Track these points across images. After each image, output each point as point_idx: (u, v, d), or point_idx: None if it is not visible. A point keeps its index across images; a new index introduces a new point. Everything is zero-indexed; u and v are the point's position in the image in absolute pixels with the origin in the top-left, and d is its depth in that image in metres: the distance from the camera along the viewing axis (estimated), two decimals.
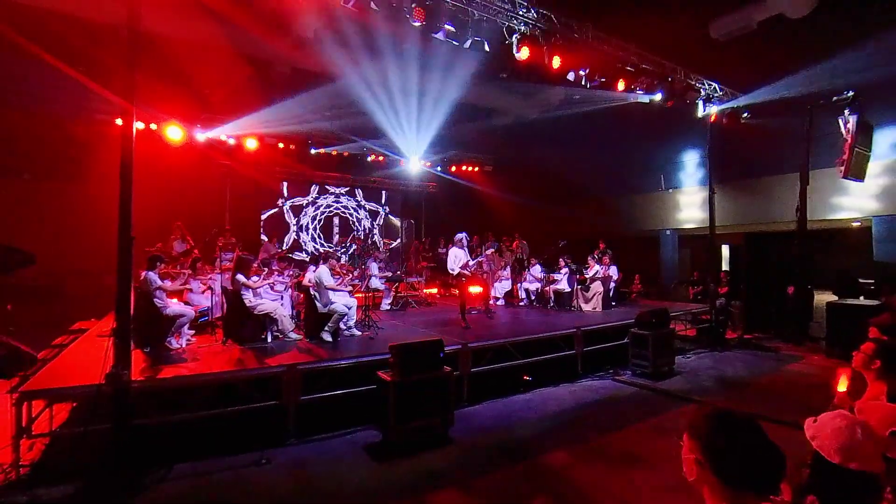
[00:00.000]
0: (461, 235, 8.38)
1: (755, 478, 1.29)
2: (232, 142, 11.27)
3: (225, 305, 6.90)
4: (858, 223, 10.87)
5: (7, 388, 4.21)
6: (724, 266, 12.90)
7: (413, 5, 5.76)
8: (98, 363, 4.02)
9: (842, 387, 2.76)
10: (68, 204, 9.61)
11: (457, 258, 8.06)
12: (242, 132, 11.20)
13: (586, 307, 9.62)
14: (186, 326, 6.15)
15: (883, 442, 1.80)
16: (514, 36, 6.71)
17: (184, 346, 6.00)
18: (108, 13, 6.47)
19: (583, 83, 7.69)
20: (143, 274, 5.78)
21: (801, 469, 1.87)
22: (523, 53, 6.72)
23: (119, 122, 5.54)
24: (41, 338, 6.43)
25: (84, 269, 8.87)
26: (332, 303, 6.55)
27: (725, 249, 14.19)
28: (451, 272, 8.22)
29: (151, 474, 4.01)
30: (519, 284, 10.67)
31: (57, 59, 7.56)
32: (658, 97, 8.92)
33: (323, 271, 6.62)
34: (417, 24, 5.97)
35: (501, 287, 10.56)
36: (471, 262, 8.35)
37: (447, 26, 6.15)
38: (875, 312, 7.73)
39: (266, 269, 6.84)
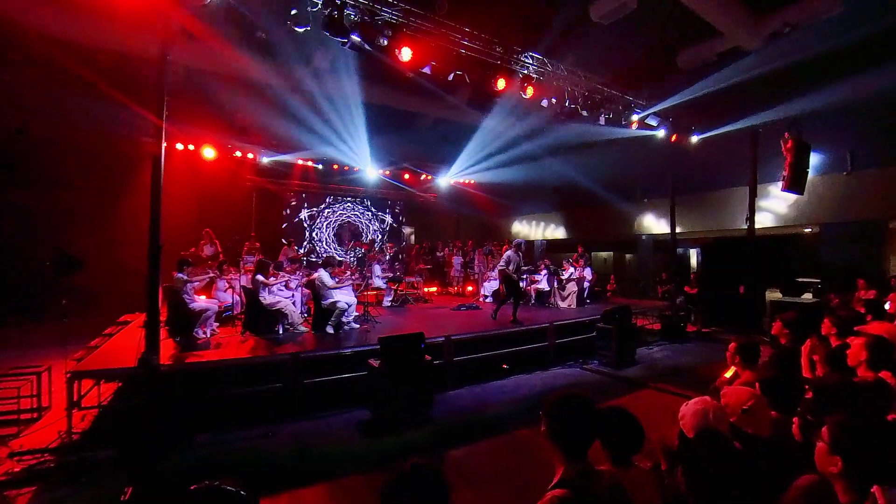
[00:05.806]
0: (519, 241, 8.34)
1: (586, 447, 1.53)
2: (265, 161, 11.74)
3: (244, 302, 7.23)
4: (810, 230, 10.94)
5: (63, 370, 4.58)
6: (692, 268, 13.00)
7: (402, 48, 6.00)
8: (135, 350, 4.37)
9: (728, 373, 3.01)
10: (119, 213, 10.03)
11: (509, 259, 7.94)
12: (267, 152, 11.66)
13: (562, 304, 9.83)
14: (212, 319, 6.45)
15: (738, 419, 1.99)
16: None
17: (209, 336, 6.28)
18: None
19: (556, 110, 7.90)
20: (175, 275, 6.11)
21: (669, 445, 2.10)
22: (500, 84, 6.99)
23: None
24: (95, 328, 6.82)
25: (133, 269, 9.24)
26: (334, 300, 6.82)
27: (695, 253, 14.28)
28: (499, 268, 8.33)
29: (178, 442, 4.29)
30: None
31: (112, 89, 7.97)
32: (627, 121, 9.12)
33: (323, 274, 6.88)
34: (428, 71, 6.29)
35: (490, 286, 10.77)
36: (523, 267, 8.34)
37: (433, 63, 6.40)
38: (808, 308, 7.92)
39: (279, 272, 7.14)
